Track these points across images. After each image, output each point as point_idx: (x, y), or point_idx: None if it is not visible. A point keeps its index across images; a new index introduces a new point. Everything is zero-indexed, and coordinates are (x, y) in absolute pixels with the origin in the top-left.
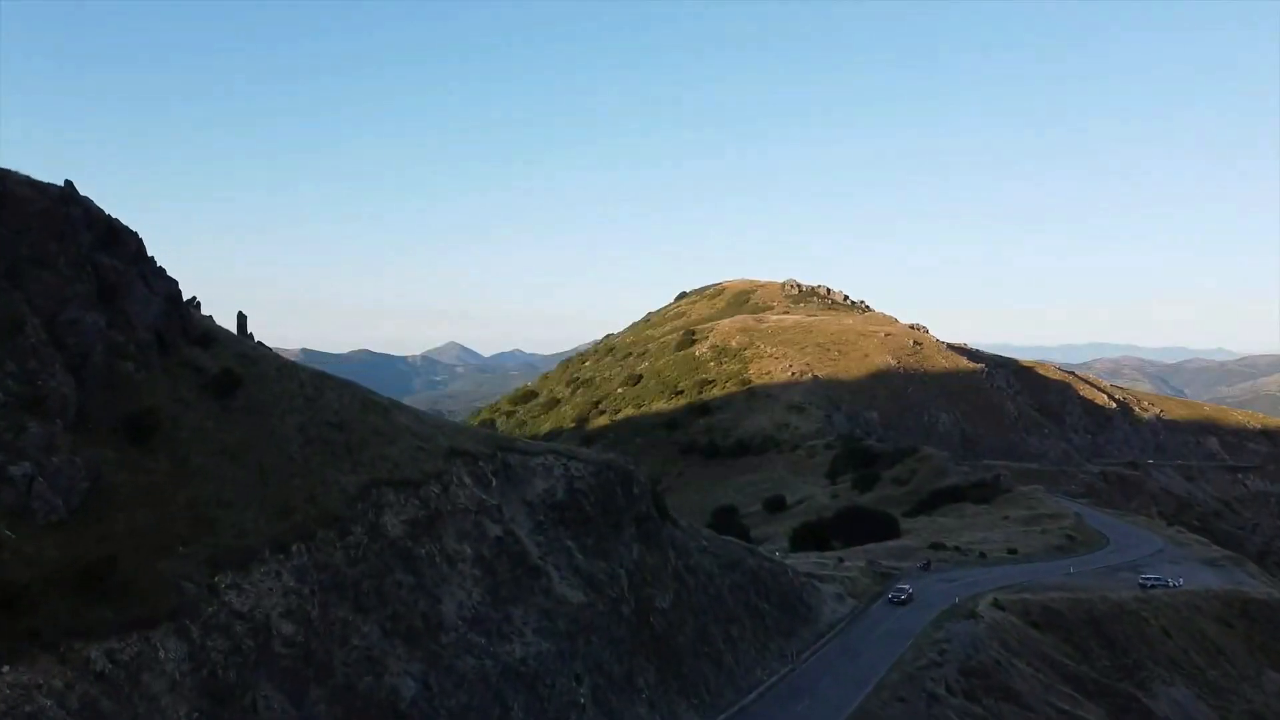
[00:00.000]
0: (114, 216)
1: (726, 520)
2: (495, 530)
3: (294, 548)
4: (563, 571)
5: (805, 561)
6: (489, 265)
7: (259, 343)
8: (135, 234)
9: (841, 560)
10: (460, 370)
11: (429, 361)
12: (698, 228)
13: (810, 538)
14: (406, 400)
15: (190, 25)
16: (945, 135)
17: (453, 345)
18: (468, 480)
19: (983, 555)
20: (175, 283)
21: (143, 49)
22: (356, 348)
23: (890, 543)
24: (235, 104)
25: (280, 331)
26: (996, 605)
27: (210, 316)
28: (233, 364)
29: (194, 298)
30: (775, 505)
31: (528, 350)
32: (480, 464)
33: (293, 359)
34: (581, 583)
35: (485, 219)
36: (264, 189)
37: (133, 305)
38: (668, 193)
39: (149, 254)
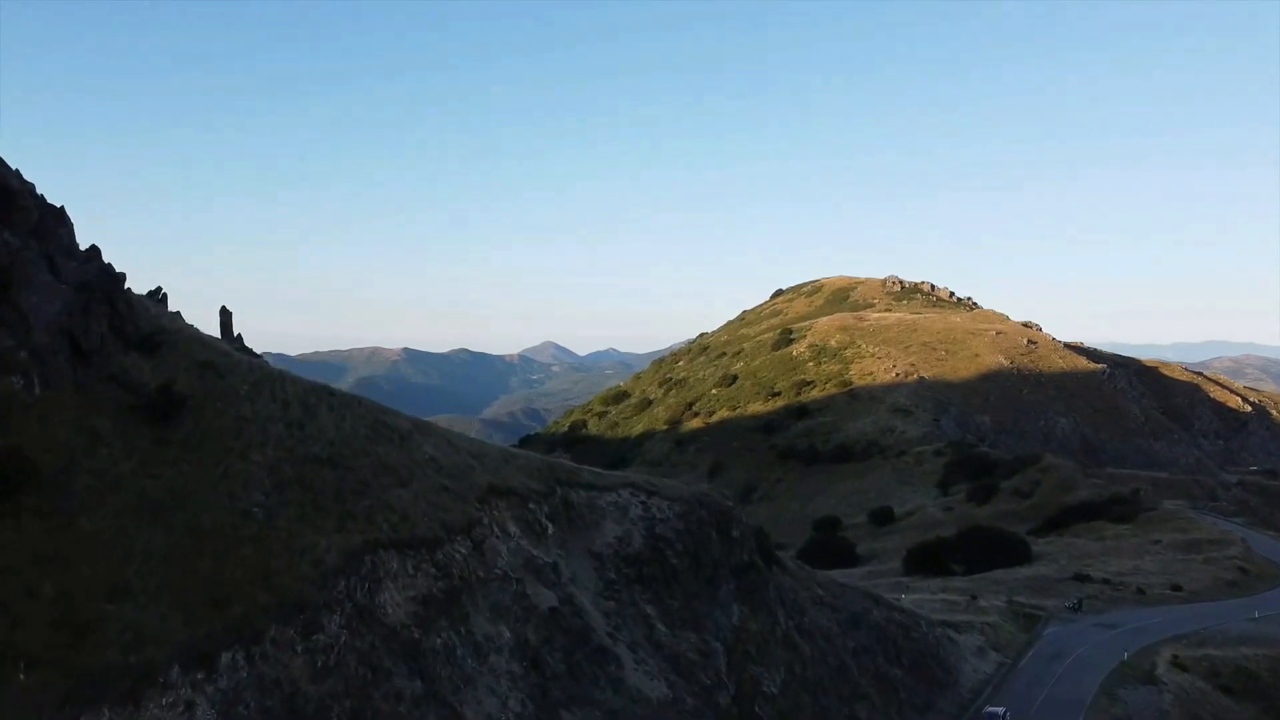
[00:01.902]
0: (10, 170)
1: (829, 533)
2: (548, 599)
3: (224, 658)
4: (639, 651)
5: (931, 600)
6: (585, 265)
7: (241, 347)
8: (38, 197)
9: (974, 598)
10: (556, 369)
11: (526, 360)
12: (793, 224)
13: (927, 560)
14: (503, 399)
15: (317, 19)
16: (1043, 130)
17: (549, 344)
18: (512, 530)
19: (1140, 591)
20: (104, 266)
21: (278, 42)
22: (457, 347)
23: (1023, 570)
24: (347, 100)
25: (383, 331)
26: (1178, 665)
27: (177, 313)
28: (182, 378)
29: (158, 289)
30: (882, 517)
31: (622, 349)
32: (530, 506)
33: (394, 359)
34: (664, 666)
35: (583, 218)
36: (366, 186)
37: (29, 298)
38: (763, 189)
39: (68, 225)
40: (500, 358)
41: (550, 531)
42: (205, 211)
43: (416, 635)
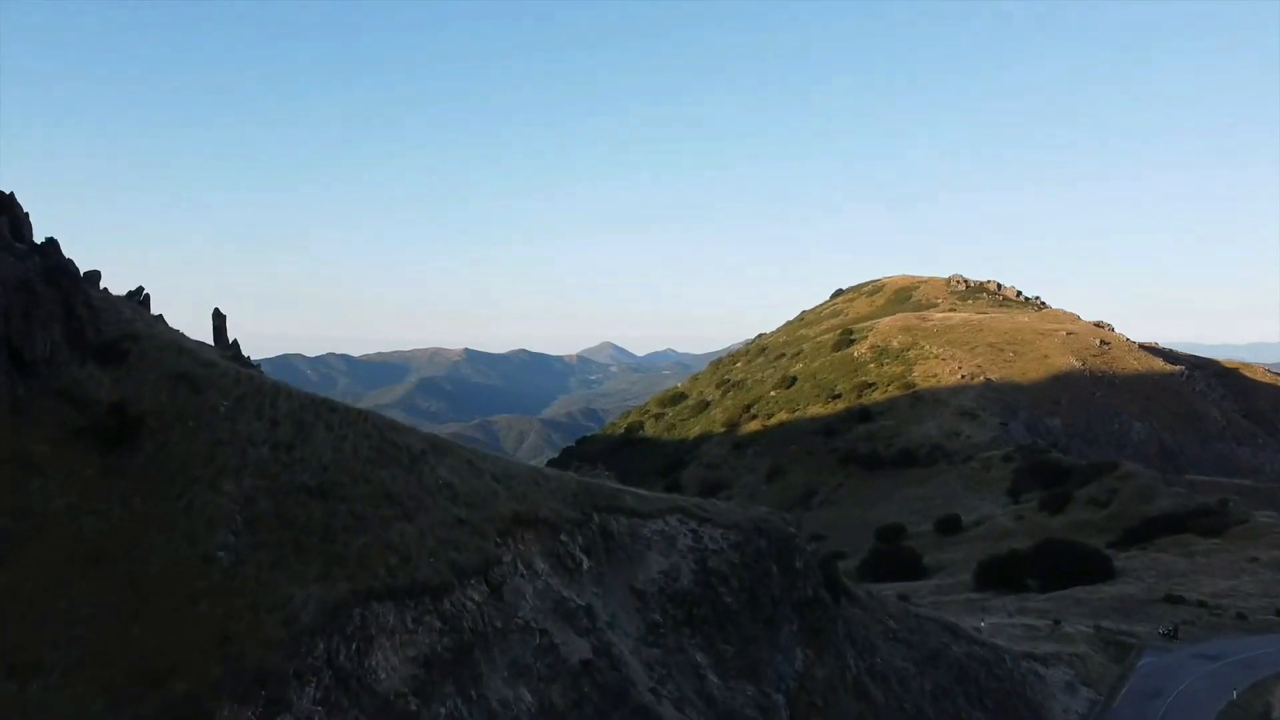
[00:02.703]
0: None
1: (893, 542)
2: (579, 650)
3: None
4: (688, 710)
5: (1009, 625)
6: (644, 265)
7: (235, 355)
8: None
9: (1058, 623)
10: (614, 370)
11: (584, 361)
12: (853, 223)
13: (1000, 575)
14: (562, 400)
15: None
16: (1103, 126)
17: (607, 345)
18: (540, 566)
19: (1242, 617)
20: (59, 262)
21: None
22: (516, 347)
23: (1106, 588)
24: (411, 100)
25: (444, 332)
26: None
27: (159, 316)
28: (147, 393)
29: (139, 289)
30: (949, 526)
31: (680, 350)
32: (562, 538)
33: (455, 359)
34: None
35: (641, 218)
36: (428, 189)
37: None
38: (822, 188)
39: (13, 213)
40: (559, 358)
41: (585, 566)
42: (271, 215)
43: (414, 706)
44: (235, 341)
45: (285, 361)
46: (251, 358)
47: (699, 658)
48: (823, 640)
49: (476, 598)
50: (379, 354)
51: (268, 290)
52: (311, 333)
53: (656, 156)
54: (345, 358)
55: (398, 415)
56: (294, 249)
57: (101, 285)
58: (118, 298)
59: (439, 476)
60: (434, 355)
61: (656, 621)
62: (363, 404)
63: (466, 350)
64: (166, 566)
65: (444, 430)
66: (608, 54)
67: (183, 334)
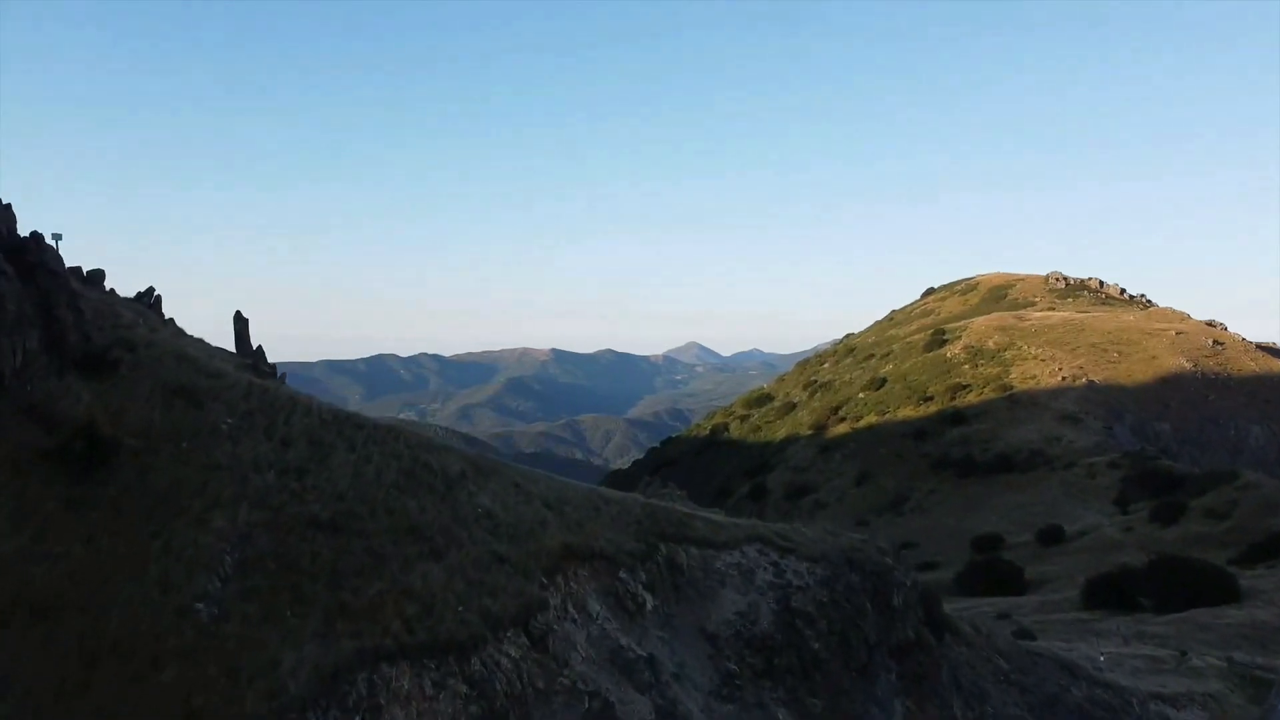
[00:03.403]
0: None
1: (991, 553)
2: (639, 710)
3: None
4: None
5: (1128, 656)
6: (730, 265)
7: (255, 364)
8: None
9: (1184, 655)
10: (700, 369)
11: (670, 361)
12: (945, 219)
13: (1111, 592)
14: (647, 399)
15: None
16: (1201, 120)
17: (693, 344)
18: (594, 609)
19: None
20: (40, 260)
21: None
22: (603, 347)
23: (1232, 612)
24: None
25: (532, 332)
26: None
27: (170, 320)
28: (134, 410)
29: (150, 290)
30: (1051, 537)
31: (766, 350)
32: (622, 575)
33: (543, 359)
34: None
35: (729, 217)
36: (517, 190)
37: None
38: (912, 184)
39: None
40: (645, 358)
41: (649, 607)
42: (372, 223)
43: None
44: (259, 348)
45: (379, 361)
46: (283, 371)
47: (781, 715)
48: (925, 689)
49: (514, 653)
50: (469, 354)
51: (363, 293)
52: (404, 334)
53: (744, 155)
54: (437, 358)
55: (487, 414)
56: (385, 253)
57: (109, 286)
58: (122, 299)
59: (478, 504)
60: (522, 355)
61: (732, 671)
62: (453, 403)
63: (554, 350)
64: (130, 622)
65: (531, 430)
66: (689, 49)
67: (197, 340)
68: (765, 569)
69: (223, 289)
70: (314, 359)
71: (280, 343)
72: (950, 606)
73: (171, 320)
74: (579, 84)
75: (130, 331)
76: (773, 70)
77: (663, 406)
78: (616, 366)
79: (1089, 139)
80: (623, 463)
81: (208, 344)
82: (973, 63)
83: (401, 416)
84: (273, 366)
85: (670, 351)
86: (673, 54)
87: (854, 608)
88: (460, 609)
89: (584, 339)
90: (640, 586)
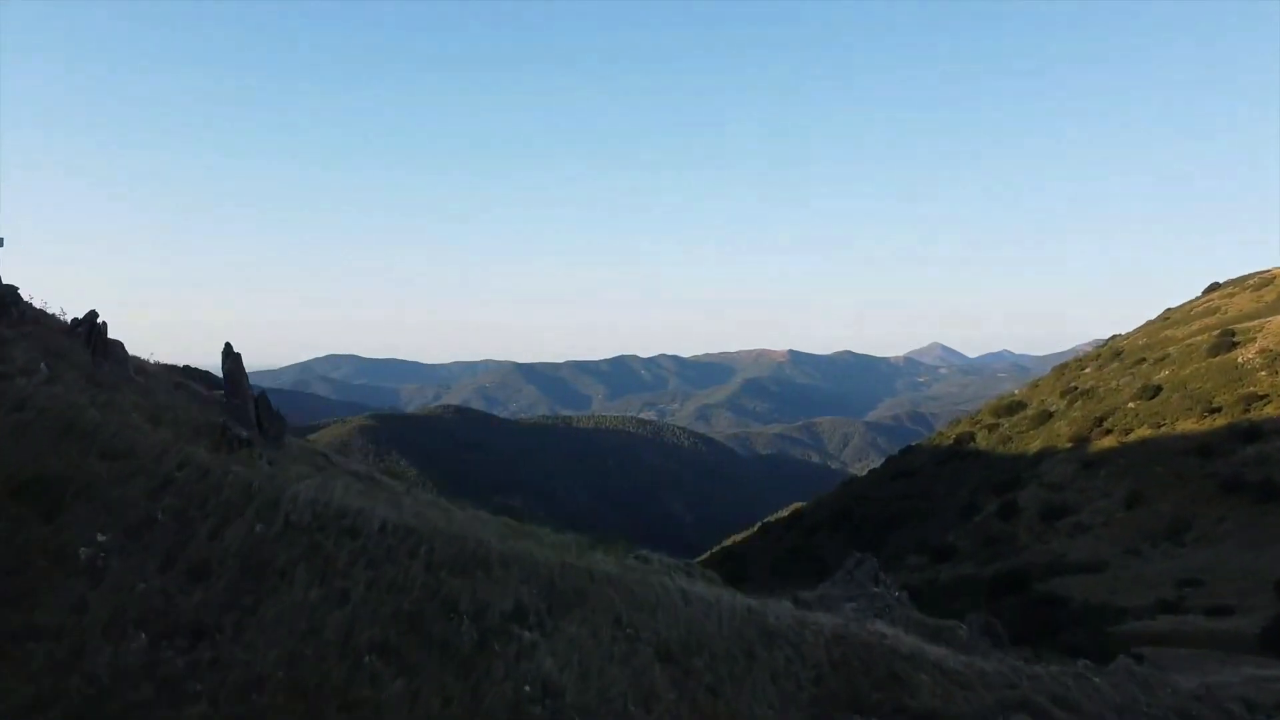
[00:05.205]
0: None
1: None
2: None
3: None
4: None
5: None
6: (975, 262)
7: (222, 424)
8: None
9: None
10: (943, 371)
11: (911, 362)
12: (1231, 206)
13: None
14: (887, 402)
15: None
16: None
17: (935, 345)
18: None
19: None
20: None
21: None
22: (840, 349)
23: None
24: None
25: (769, 334)
26: None
27: (120, 343)
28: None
29: (90, 315)
30: None
31: (1016, 351)
32: None
33: (779, 360)
34: None
35: (974, 210)
36: (759, 189)
37: None
38: (1188, 170)
39: None
40: (884, 359)
41: None
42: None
43: None
44: (262, 395)
45: (621, 362)
46: (337, 419)
47: None
48: None
49: None
50: (706, 355)
51: (606, 296)
52: (645, 335)
53: (996, 139)
54: (675, 358)
55: (724, 415)
56: (627, 257)
57: (39, 303)
58: (37, 330)
59: (530, 672)
60: (759, 356)
61: None
62: (691, 403)
63: (790, 351)
64: None
65: (768, 431)
66: (945, 43)
67: (181, 387)
68: None
69: (498, 294)
70: (560, 359)
71: (530, 345)
72: (1260, 673)
73: (120, 343)
74: (816, 79)
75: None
76: (1041, 44)
77: (903, 410)
78: (854, 368)
79: None
80: (860, 467)
81: (196, 392)
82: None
83: (641, 416)
84: (279, 419)
85: (911, 353)
86: (928, 49)
87: None
88: None
89: (821, 340)
90: None
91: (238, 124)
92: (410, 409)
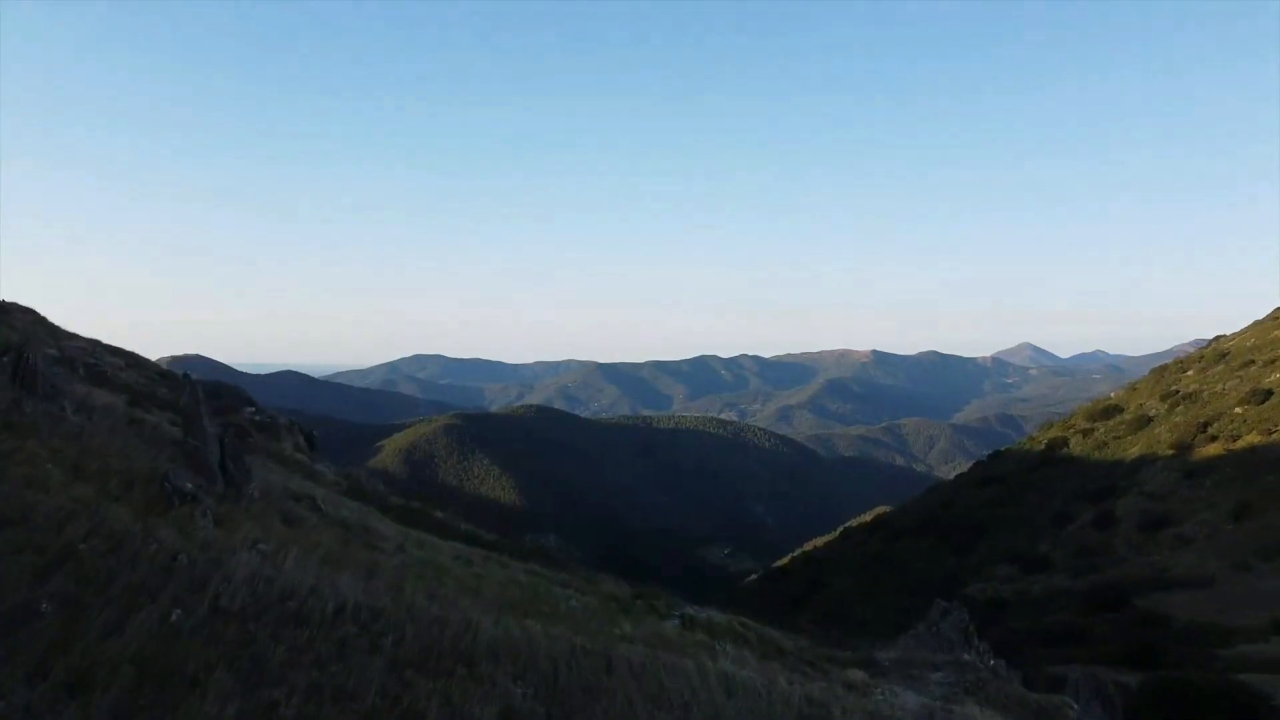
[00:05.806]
0: None
1: None
2: None
3: None
4: None
5: None
6: (1065, 259)
7: (167, 478)
8: None
9: None
10: (1033, 372)
11: (999, 363)
12: None
13: None
14: (974, 404)
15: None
16: None
17: (1025, 345)
18: None
19: None
20: None
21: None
22: (925, 349)
23: None
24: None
25: (851, 333)
26: None
27: (61, 374)
28: None
29: (19, 343)
30: None
31: (1111, 351)
32: None
33: (862, 360)
34: None
35: (1065, 200)
36: (835, 192)
37: None
38: None
39: None
40: (971, 360)
41: None
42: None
43: None
44: (229, 432)
45: (701, 362)
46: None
47: None
48: None
49: None
50: (788, 355)
51: (691, 296)
52: (726, 334)
53: (1089, 125)
54: (756, 359)
55: (806, 416)
56: (708, 257)
57: None
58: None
59: None
60: (841, 357)
61: None
62: (772, 404)
63: (874, 352)
64: None
65: (850, 432)
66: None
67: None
68: None
69: (581, 295)
70: (641, 360)
71: (612, 345)
72: None
73: (66, 389)
74: (866, 75)
75: None
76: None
77: (992, 412)
78: (939, 368)
79: None
80: (947, 470)
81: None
82: None
83: (722, 416)
84: (245, 462)
85: (1000, 353)
86: (1012, 57)
87: None
88: None
89: (905, 340)
90: None
91: (333, 129)
92: (494, 408)
